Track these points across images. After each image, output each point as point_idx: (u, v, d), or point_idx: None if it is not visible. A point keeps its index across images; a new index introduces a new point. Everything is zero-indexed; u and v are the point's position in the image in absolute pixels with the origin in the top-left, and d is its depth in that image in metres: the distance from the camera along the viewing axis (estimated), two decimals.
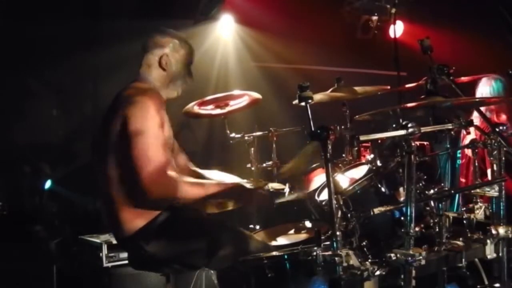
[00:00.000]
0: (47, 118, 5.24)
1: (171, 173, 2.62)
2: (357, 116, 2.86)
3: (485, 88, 4.29)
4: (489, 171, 3.62)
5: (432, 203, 2.45)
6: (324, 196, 3.08)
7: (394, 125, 2.29)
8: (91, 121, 5.31)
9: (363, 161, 3.33)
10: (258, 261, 2.51)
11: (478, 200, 2.64)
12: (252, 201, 2.91)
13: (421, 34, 3.01)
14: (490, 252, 2.42)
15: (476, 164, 2.82)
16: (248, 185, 2.87)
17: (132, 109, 2.57)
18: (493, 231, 2.40)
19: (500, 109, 4.23)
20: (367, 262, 2.09)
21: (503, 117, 4.17)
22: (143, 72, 2.82)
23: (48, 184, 4.92)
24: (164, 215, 2.67)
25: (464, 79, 3.53)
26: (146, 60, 2.84)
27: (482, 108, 3.79)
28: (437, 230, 2.43)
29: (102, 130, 2.69)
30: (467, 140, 4.21)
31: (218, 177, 3.14)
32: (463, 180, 4.31)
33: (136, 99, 2.62)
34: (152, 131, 2.54)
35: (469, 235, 2.48)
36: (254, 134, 3.96)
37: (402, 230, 2.15)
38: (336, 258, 2.03)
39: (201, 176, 3.02)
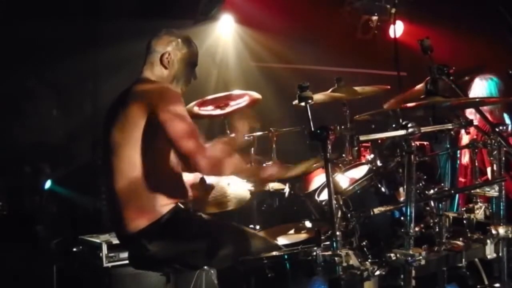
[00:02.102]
0: (47, 118, 5.25)
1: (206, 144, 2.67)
2: (357, 116, 2.87)
3: (478, 88, 4.27)
4: (489, 170, 3.62)
5: (432, 203, 2.45)
6: (324, 196, 3.08)
7: (394, 125, 2.29)
8: (91, 121, 5.32)
9: (363, 161, 3.33)
10: (258, 261, 2.51)
11: (478, 200, 2.64)
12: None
13: (421, 34, 3.01)
14: (490, 252, 2.42)
15: (476, 164, 2.82)
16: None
17: (160, 98, 2.60)
18: (493, 231, 2.41)
19: (493, 109, 4.21)
20: (367, 262, 2.09)
21: (491, 118, 4.14)
22: (146, 70, 2.84)
23: (48, 184, 4.92)
24: (167, 215, 2.67)
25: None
26: (149, 58, 2.85)
27: (471, 110, 3.78)
28: (437, 230, 2.43)
29: (113, 122, 2.67)
30: (463, 140, 4.21)
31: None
32: (462, 179, 4.30)
33: (160, 89, 2.68)
34: (186, 114, 2.61)
35: (469, 235, 2.49)
36: (254, 134, 3.96)
37: (402, 230, 2.15)
38: (336, 258, 2.03)
39: None
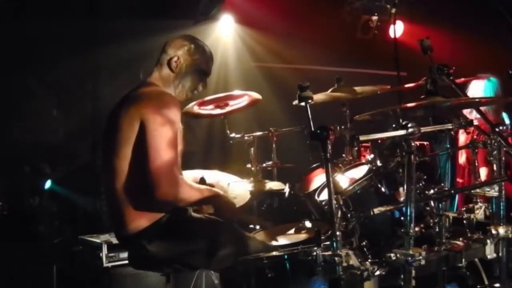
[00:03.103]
0: (47, 118, 5.25)
1: (179, 174, 2.66)
2: (357, 116, 2.86)
3: (475, 88, 4.26)
4: (481, 171, 3.61)
5: (432, 203, 2.45)
6: (324, 196, 3.08)
7: (394, 125, 2.29)
8: (91, 121, 5.32)
9: (363, 161, 3.33)
10: (258, 261, 2.51)
11: (478, 200, 2.64)
12: (230, 213, 2.90)
13: (421, 34, 3.01)
14: (490, 252, 2.42)
15: (476, 164, 2.82)
16: (226, 197, 2.86)
17: (152, 108, 2.59)
18: (493, 231, 2.41)
19: (490, 110, 4.19)
20: (367, 262, 2.09)
21: (490, 118, 4.12)
22: (155, 71, 2.85)
23: (48, 184, 4.92)
24: (166, 216, 2.68)
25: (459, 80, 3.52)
26: (161, 58, 2.86)
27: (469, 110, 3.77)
28: (437, 230, 2.43)
29: (113, 124, 2.68)
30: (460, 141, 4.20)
31: (217, 177, 3.15)
32: (460, 180, 4.29)
33: (155, 94, 2.67)
34: (173, 124, 2.57)
35: (469, 235, 2.49)
36: (254, 134, 3.96)
37: (402, 230, 2.15)
38: (336, 258, 2.03)
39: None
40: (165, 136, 2.55)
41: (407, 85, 3.49)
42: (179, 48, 2.83)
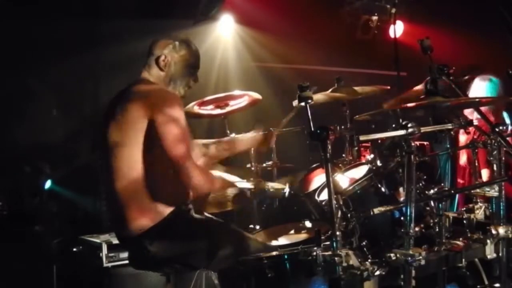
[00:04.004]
0: (47, 118, 5.25)
1: (193, 166, 2.67)
2: (357, 116, 2.87)
3: (477, 89, 4.26)
4: (483, 172, 3.62)
5: (432, 203, 2.45)
6: (324, 196, 3.08)
7: (394, 125, 2.29)
8: (91, 121, 5.32)
9: (363, 161, 3.33)
10: (258, 261, 2.51)
11: (478, 200, 2.64)
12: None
13: (421, 34, 3.01)
14: (490, 252, 2.42)
15: (477, 164, 2.82)
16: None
17: (160, 99, 2.62)
18: (493, 231, 2.41)
19: (490, 110, 4.19)
20: (367, 262, 2.09)
21: (491, 118, 4.12)
22: (144, 71, 2.85)
23: (48, 184, 4.92)
24: (167, 216, 2.67)
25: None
26: (148, 60, 2.87)
27: (470, 110, 3.77)
28: (437, 230, 2.43)
29: (110, 125, 2.68)
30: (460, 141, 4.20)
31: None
32: (460, 181, 4.29)
33: (160, 91, 2.71)
34: (182, 119, 2.62)
35: (469, 235, 2.49)
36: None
37: (402, 230, 2.15)
38: (336, 258, 2.03)
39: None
40: (174, 132, 2.56)
41: (412, 89, 3.49)
42: (164, 47, 2.84)
